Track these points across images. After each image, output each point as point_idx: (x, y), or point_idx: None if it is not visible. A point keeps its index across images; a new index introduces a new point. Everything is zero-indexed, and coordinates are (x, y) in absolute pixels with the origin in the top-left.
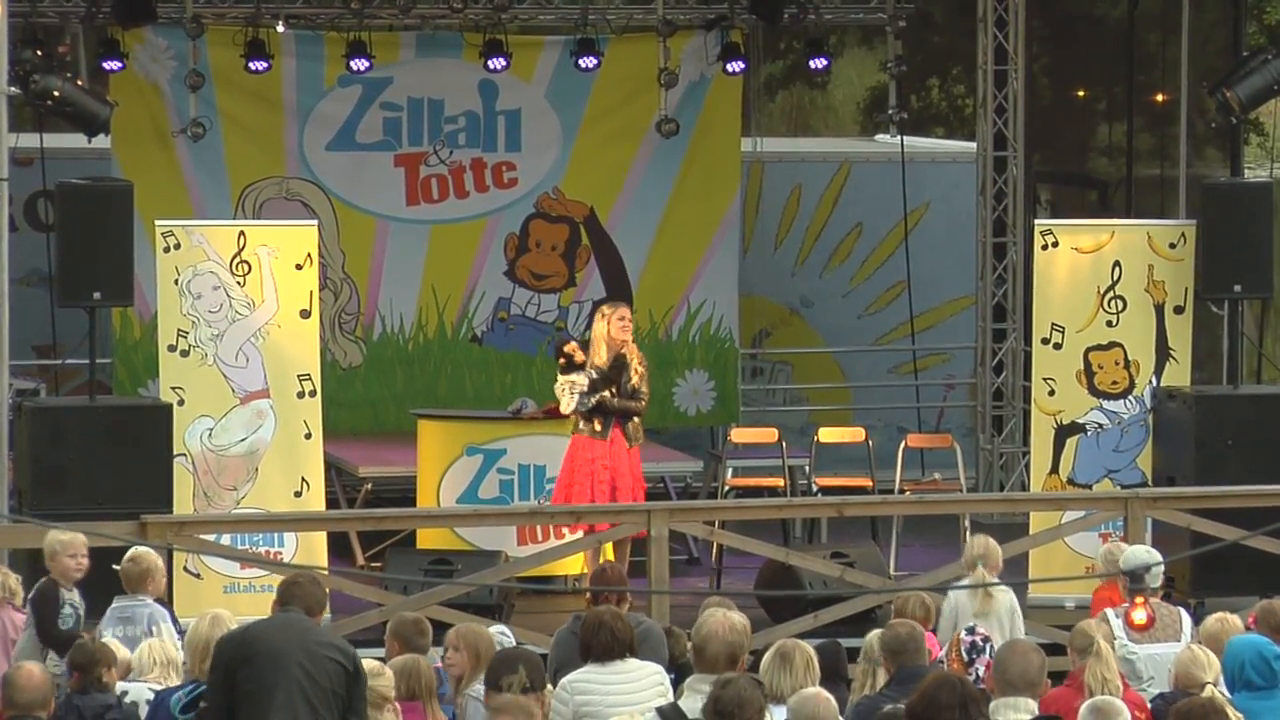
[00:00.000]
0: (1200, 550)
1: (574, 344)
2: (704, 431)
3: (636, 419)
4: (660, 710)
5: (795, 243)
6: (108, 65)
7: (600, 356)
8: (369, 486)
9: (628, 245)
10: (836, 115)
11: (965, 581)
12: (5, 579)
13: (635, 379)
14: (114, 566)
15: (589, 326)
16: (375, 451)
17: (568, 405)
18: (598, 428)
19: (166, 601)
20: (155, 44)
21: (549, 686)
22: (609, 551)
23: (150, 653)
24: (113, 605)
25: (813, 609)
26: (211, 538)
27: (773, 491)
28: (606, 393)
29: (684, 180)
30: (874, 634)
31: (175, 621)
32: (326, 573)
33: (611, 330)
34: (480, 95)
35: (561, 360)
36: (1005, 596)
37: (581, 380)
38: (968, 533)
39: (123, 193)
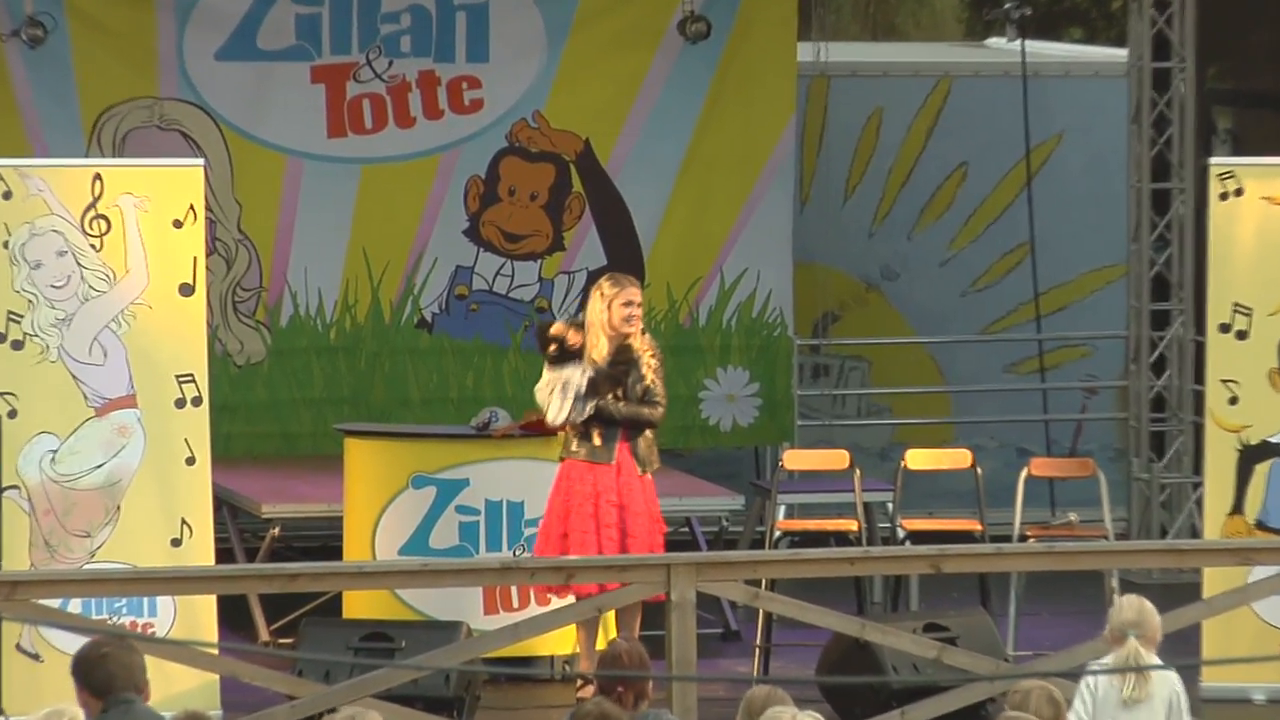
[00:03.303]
0: None
1: (564, 324)
2: (745, 454)
3: (650, 433)
4: None
5: (874, 190)
6: None
7: (600, 352)
8: (276, 531)
9: (637, 193)
10: (932, 12)
11: (1109, 659)
12: None
13: (649, 376)
14: None
15: (582, 307)
16: (284, 482)
17: (557, 414)
18: (598, 444)
19: None
20: None
21: None
22: (610, 624)
23: None
24: None
25: (898, 702)
26: (56, 603)
27: (842, 539)
28: (610, 396)
29: (716, 102)
30: None
31: None
32: (215, 652)
33: (613, 318)
34: None
35: (552, 348)
36: (1166, 681)
37: (579, 378)
38: (1115, 595)
39: None
